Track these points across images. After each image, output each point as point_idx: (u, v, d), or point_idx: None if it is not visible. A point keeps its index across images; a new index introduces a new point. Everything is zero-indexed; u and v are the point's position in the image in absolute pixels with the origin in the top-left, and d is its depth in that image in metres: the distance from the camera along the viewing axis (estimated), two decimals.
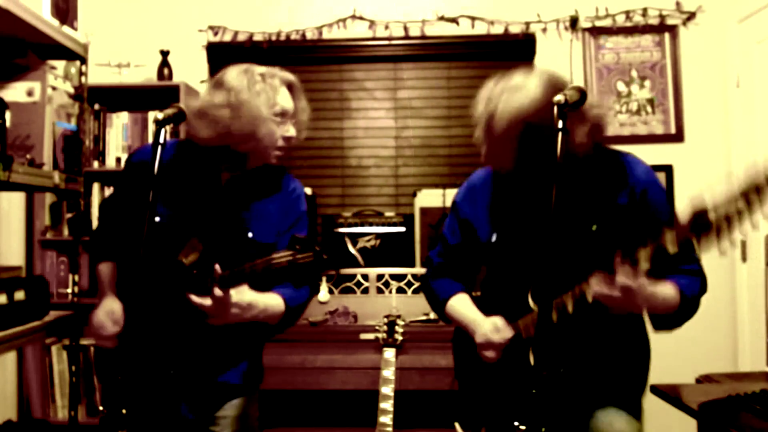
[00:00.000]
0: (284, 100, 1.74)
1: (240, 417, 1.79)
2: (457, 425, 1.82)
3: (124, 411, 1.54)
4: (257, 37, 3.38)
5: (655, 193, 1.63)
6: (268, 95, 1.70)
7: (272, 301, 1.69)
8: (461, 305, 1.82)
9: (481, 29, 3.37)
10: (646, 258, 1.42)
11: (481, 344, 1.68)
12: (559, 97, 1.38)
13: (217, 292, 1.53)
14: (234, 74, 1.72)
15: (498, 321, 1.68)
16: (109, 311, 1.74)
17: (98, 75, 3.13)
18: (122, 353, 1.74)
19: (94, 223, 2.26)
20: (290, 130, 1.75)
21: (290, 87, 1.78)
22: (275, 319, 1.71)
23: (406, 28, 3.39)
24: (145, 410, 1.66)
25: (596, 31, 3.33)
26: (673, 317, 1.59)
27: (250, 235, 1.74)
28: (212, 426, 1.76)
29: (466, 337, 1.78)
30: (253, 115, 1.67)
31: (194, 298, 1.57)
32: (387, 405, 2.21)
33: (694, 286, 1.60)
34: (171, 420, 1.75)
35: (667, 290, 1.54)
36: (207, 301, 1.56)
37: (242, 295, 1.60)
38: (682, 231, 1.39)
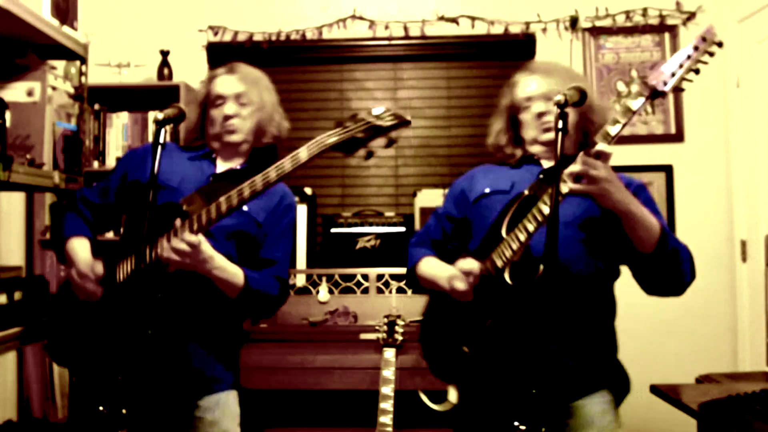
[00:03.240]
0: (220, 85, 1.89)
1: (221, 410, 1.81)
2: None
3: (124, 411, 1.55)
4: (257, 37, 3.38)
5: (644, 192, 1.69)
6: (203, 91, 1.92)
7: (233, 269, 1.73)
8: (433, 262, 1.82)
9: (481, 29, 3.37)
10: (602, 136, 1.46)
11: (452, 276, 1.65)
12: (559, 97, 1.40)
13: (187, 235, 1.60)
14: None
15: (468, 259, 1.66)
16: (91, 264, 1.76)
17: (98, 75, 3.13)
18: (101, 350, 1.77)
19: None
20: (228, 108, 1.86)
21: (230, 70, 1.91)
22: (232, 289, 1.74)
23: (406, 28, 3.39)
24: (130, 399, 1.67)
25: (596, 31, 3.33)
26: (654, 257, 1.54)
27: (245, 208, 1.75)
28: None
29: (434, 328, 1.80)
30: (193, 117, 1.92)
31: (173, 242, 1.62)
32: (387, 405, 2.21)
33: (676, 241, 1.59)
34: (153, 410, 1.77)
35: (646, 211, 1.53)
36: (182, 245, 1.61)
37: (206, 245, 1.65)
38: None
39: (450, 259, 1.75)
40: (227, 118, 1.85)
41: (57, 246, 1.90)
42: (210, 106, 1.89)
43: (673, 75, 1.45)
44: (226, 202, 1.61)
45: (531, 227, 1.54)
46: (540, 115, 1.73)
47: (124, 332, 1.66)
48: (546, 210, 1.50)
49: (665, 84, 1.45)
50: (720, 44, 1.46)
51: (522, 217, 1.57)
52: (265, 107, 1.91)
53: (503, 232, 1.63)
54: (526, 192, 1.66)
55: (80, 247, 1.83)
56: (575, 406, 1.65)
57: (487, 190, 1.80)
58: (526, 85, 1.79)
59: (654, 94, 1.46)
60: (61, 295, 1.89)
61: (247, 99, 1.87)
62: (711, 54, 1.46)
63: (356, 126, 1.51)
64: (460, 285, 1.63)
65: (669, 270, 1.57)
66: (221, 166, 1.90)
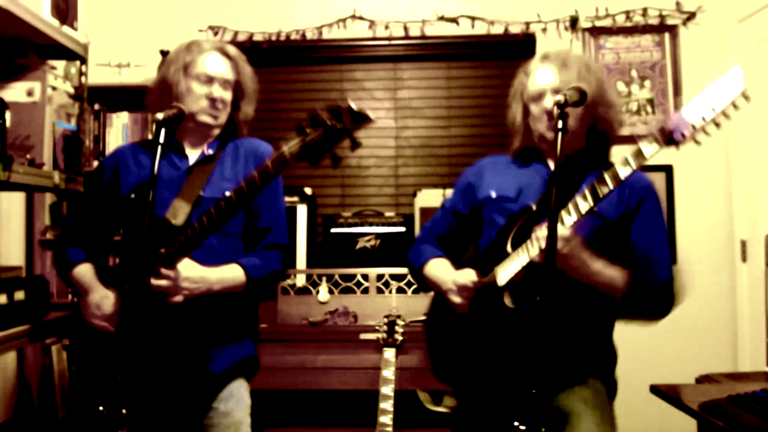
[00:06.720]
0: (210, 64, 1.82)
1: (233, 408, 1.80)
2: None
3: (124, 411, 1.55)
4: (257, 37, 3.38)
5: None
6: (188, 59, 1.81)
7: (227, 274, 1.73)
8: (439, 264, 1.82)
9: (481, 29, 3.36)
10: (611, 176, 1.53)
11: (449, 289, 1.68)
12: (558, 98, 1.41)
13: (163, 271, 1.60)
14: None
15: (468, 270, 1.69)
16: (104, 295, 1.76)
17: (98, 75, 3.12)
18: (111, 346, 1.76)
19: None
20: (215, 92, 1.81)
21: (225, 54, 1.85)
22: (237, 289, 1.75)
23: (406, 28, 3.39)
24: (140, 401, 1.67)
25: (596, 31, 3.33)
26: (626, 301, 1.61)
27: (227, 193, 1.68)
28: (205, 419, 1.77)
29: (440, 328, 1.80)
30: (168, 79, 1.81)
31: (153, 281, 1.62)
32: (387, 405, 2.21)
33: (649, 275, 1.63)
34: (166, 411, 1.76)
35: (613, 270, 1.58)
36: (162, 282, 1.61)
37: (191, 270, 1.65)
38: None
39: (455, 256, 1.76)
40: (214, 101, 1.81)
41: (64, 279, 1.90)
42: (192, 78, 1.81)
43: (694, 127, 1.46)
44: (199, 225, 1.62)
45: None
46: (550, 111, 1.70)
47: (133, 343, 1.66)
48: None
49: (683, 137, 1.48)
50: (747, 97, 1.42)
51: (527, 232, 1.57)
52: (250, 98, 1.90)
53: (509, 248, 1.63)
54: (534, 207, 1.66)
55: (85, 275, 1.83)
56: (563, 396, 1.65)
57: (493, 194, 1.79)
58: (539, 77, 1.75)
59: (669, 142, 1.50)
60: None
61: (234, 86, 1.86)
62: (736, 107, 1.43)
63: (315, 133, 1.49)
64: (456, 299, 1.67)
65: (642, 306, 1.64)
66: (192, 154, 1.86)
